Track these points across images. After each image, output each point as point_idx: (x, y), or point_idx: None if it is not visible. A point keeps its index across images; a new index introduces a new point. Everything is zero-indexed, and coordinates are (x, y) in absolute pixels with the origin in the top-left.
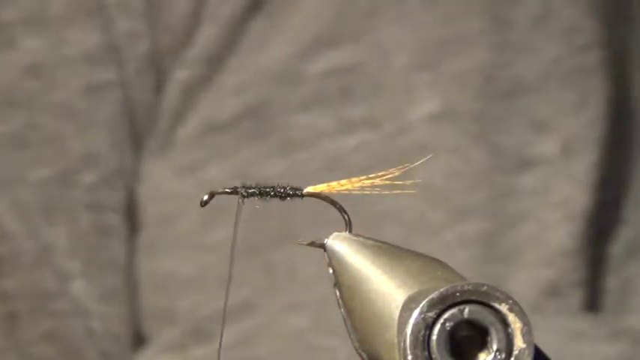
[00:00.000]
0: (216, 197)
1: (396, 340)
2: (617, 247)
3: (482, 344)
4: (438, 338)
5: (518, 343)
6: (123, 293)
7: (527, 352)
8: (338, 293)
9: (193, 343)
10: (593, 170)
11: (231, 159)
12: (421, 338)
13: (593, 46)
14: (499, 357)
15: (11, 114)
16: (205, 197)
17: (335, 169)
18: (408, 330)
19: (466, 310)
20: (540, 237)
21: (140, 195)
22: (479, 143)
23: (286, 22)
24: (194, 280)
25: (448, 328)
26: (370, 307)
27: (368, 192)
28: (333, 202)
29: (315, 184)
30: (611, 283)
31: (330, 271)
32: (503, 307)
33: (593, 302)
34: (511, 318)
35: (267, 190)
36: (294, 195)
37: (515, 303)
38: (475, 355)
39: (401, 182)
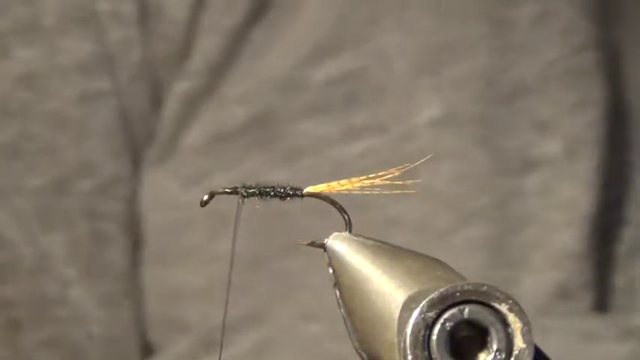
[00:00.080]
0: (223, 206)
1: (396, 340)
2: (621, 247)
3: (483, 344)
4: (438, 338)
5: (518, 343)
6: (122, 299)
7: (527, 352)
8: (338, 293)
9: (204, 353)
10: (597, 171)
11: (236, 168)
12: (421, 338)
13: (590, 47)
14: (499, 357)
15: (5, 124)
16: (205, 197)
17: (340, 176)
18: (408, 330)
19: (466, 310)
20: (547, 239)
21: (142, 204)
22: (482, 147)
23: (288, 30)
24: (204, 290)
25: (448, 328)
26: (370, 307)
27: (368, 192)
28: (333, 202)
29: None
30: (618, 282)
31: (330, 271)
32: (503, 307)
33: (601, 303)
34: (511, 318)
35: (267, 190)
36: (294, 195)
37: (515, 303)
38: (475, 355)
39: (401, 182)
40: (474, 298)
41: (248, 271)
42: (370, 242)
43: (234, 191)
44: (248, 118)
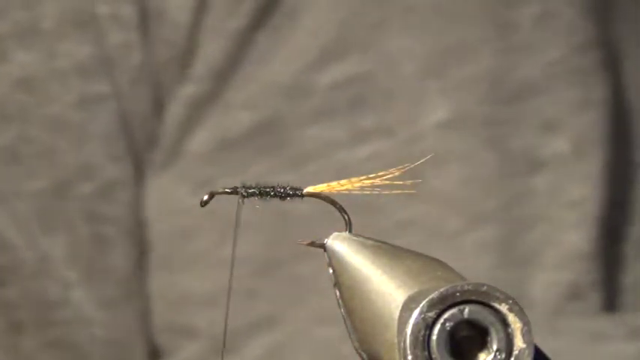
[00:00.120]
0: (231, 211)
1: (396, 340)
2: (628, 247)
3: (483, 344)
4: (438, 338)
5: (518, 343)
6: (124, 302)
7: (527, 352)
8: (338, 293)
9: (214, 358)
10: (604, 170)
11: (243, 173)
12: (421, 338)
13: (591, 46)
14: (499, 357)
15: (4, 127)
16: (205, 197)
17: None
18: (408, 330)
19: (466, 310)
20: (556, 239)
21: (147, 210)
22: (490, 148)
23: (292, 34)
24: (211, 296)
25: (448, 328)
26: (370, 307)
27: (368, 192)
28: (333, 202)
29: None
30: (626, 282)
31: (330, 271)
32: (503, 307)
33: (610, 302)
34: (511, 318)
35: (267, 190)
36: (294, 195)
37: (515, 303)
38: (475, 355)
39: (401, 182)
40: (474, 298)
41: (261, 275)
42: (370, 242)
43: (234, 191)
44: (254, 123)
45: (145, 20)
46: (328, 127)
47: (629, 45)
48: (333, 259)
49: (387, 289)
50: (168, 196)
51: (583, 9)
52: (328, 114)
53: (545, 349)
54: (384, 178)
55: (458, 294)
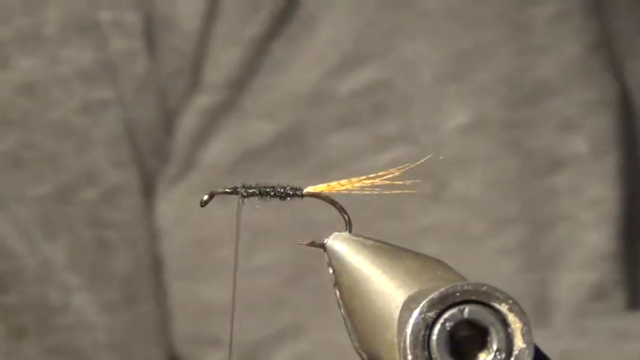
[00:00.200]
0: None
1: (396, 340)
2: None
3: (483, 344)
4: (438, 338)
5: (518, 343)
6: (126, 307)
7: (527, 352)
8: (338, 293)
9: None
10: (622, 168)
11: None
12: (421, 338)
13: (600, 45)
14: (499, 357)
15: (6, 133)
16: (205, 197)
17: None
18: (408, 330)
19: (466, 310)
20: (579, 239)
21: (161, 220)
22: (510, 150)
23: (310, 43)
24: (239, 306)
25: (448, 328)
26: (370, 307)
27: (368, 192)
28: (333, 202)
29: (352, 203)
30: None
31: (330, 271)
32: (503, 307)
33: (634, 301)
34: (511, 318)
35: (267, 190)
36: (294, 195)
37: (515, 303)
38: (475, 355)
39: (401, 182)
40: (474, 298)
41: (287, 284)
42: (370, 242)
43: (234, 191)
44: (274, 133)
45: (151, 28)
46: (350, 135)
47: (630, 45)
48: (333, 259)
49: (387, 289)
50: (184, 207)
51: (589, 8)
52: (349, 122)
53: (572, 350)
54: (384, 178)
55: (458, 294)
